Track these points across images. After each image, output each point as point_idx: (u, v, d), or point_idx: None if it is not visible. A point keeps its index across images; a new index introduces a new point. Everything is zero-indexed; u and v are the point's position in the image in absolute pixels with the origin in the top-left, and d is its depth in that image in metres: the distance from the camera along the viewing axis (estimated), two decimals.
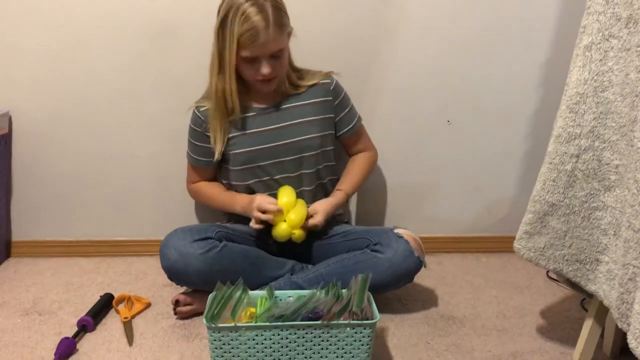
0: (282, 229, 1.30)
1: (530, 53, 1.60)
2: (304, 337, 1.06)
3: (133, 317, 1.34)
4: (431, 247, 1.68)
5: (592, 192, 1.03)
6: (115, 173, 1.63)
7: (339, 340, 1.07)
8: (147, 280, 1.54)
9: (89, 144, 1.60)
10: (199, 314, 1.34)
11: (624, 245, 0.94)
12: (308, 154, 1.40)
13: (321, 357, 1.09)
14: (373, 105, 1.61)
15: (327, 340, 1.07)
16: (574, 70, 1.01)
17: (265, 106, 1.40)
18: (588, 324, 1.13)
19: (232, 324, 1.04)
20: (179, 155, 1.55)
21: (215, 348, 1.05)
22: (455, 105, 1.64)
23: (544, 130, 1.53)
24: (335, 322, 1.06)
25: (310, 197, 1.41)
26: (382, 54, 1.58)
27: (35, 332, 1.27)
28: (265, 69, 1.28)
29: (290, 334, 1.05)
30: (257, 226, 1.30)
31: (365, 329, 1.06)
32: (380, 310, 1.11)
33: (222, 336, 1.04)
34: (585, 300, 1.45)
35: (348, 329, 1.06)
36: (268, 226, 1.31)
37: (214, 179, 1.50)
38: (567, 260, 1.09)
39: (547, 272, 1.62)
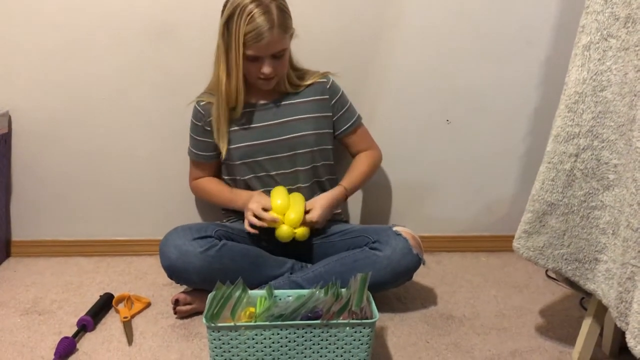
0: (284, 231, 1.30)
1: (529, 52, 1.60)
2: (303, 337, 1.06)
3: (133, 316, 1.34)
4: (431, 246, 1.68)
5: (590, 192, 1.03)
6: (115, 173, 1.63)
7: (338, 340, 1.07)
8: (147, 280, 1.54)
9: (89, 144, 1.60)
10: (198, 313, 1.34)
11: (622, 244, 0.94)
12: (302, 150, 1.41)
13: (320, 356, 1.09)
14: (373, 105, 1.61)
15: (327, 340, 1.07)
16: (572, 70, 1.01)
17: (264, 102, 1.41)
18: (587, 323, 1.13)
19: (232, 324, 1.04)
20: (178, 155, 1.55)
21: (215, 347, 1.06)
22: (455, 105, 1.64)
23: (543, 129, 1.53)
24: (334, 321, 1.06)
25: (307, 195, 1.41)
26: (382, 54, 1.58)
27: (35, 332, 1.27)
28: (266, 69, 1.29)
29: (289, 333, 1.06)
30: (251, 230, 1.31)
31: (364, 328, 1.07)
32: (380, 310, 1.11)
33: (222, 335, 1.04)
34: (584, 299, 1.45)
35: (347, 328, 1.06)
36: (269, 227, 1.31)
37: (215, 175, 1.50)
38: (566, 259, 1.09)
39: (546, 271, 1.62)
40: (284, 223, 1.30)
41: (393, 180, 1.71)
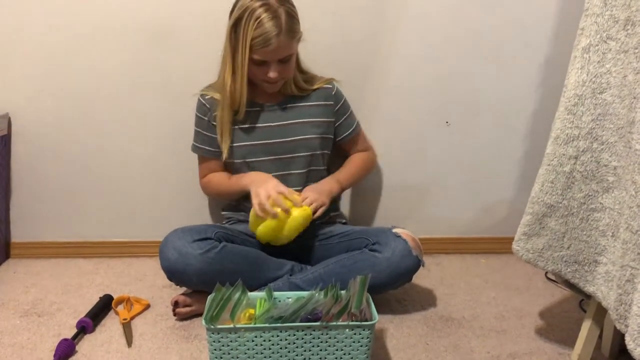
0: (291, 223, 1.28)
1: (529, 54, 1.60)
2: (302, 339, 1.06)
3: (132, 318, 1.34)
4: (430, 248, 1.68)
5: (590, 194, 1.03)
6: (114, 174, 1.63)
7: (337, 342, 1.07)
8: (147, 282, 1.54)
9: (88, 145, 1.60)
10: (198, 315, 1.34)
11: (622, 246, 0.94)
12: (303, 153, 1.41)
13: (320, 358, 1.09)
14: (373, 106, 1.62)
15: (326, 342, 1.07)
16: (572, 72, 1.01)
17: (269, 104, 1.41)
18: (586, 325, 1.13)
19: (231, 325, 1.04)
20: (178, 156, 1.55)
21: (215, 349, 1.06)
22: (454, 107, 1.65)
23: (542, 131, 1.53)
24: (334, 323, 1.06)
25: None
26: (382, 54, 1.58)
27: (34, 334, 1.27)
28: (273, 73, 1.30)
29: (289, 335, 1.06)
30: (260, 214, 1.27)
31: (364, 330, 1.06)
32: (379, 312, 1.11)
33: (221, 337, 1.04)
34: (583, 301, 1.45)
35: (347, 330, 1.06)
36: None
37: (224, 171, 1.48)
38: (565, 261, 1.09)
39: (546, 273, 1.62)
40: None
41: (393, 182, 1.71)
